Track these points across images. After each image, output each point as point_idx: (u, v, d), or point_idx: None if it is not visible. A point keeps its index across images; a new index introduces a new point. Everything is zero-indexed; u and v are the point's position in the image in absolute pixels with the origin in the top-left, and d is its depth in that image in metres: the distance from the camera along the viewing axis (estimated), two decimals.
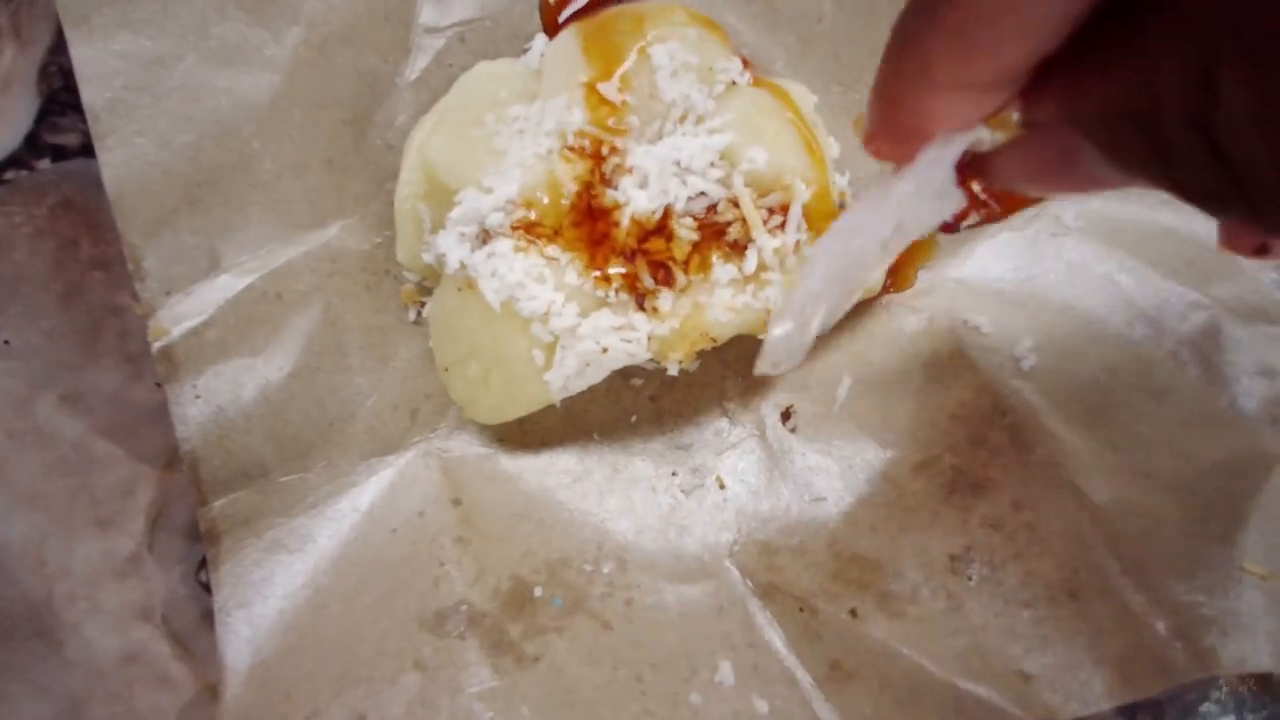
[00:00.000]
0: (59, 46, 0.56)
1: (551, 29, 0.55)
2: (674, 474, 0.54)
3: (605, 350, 0.48)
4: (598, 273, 0.49)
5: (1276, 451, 0.47)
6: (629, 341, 0.48)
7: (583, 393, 0.51)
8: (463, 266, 0.49)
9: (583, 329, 0.48)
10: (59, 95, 0.56)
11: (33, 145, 0.56)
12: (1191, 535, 0.44)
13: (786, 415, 0.54)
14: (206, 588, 0.56)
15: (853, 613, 0.47)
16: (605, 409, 0.55)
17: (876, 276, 0.54)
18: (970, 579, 0.46)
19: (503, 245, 0.48)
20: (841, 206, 0.55)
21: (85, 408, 0.56)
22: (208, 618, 0.56)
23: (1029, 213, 0.55)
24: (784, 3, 0.55)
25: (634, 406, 0.55)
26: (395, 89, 0.54)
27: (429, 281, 0.55)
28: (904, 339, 0.54)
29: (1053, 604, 0.45)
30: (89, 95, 0.49)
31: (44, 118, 0.56)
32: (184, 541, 0.57)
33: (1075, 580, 0.45)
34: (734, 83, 0.51)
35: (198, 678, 0.57)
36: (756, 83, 0.53)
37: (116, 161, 0.50)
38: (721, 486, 0.53)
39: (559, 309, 0.47)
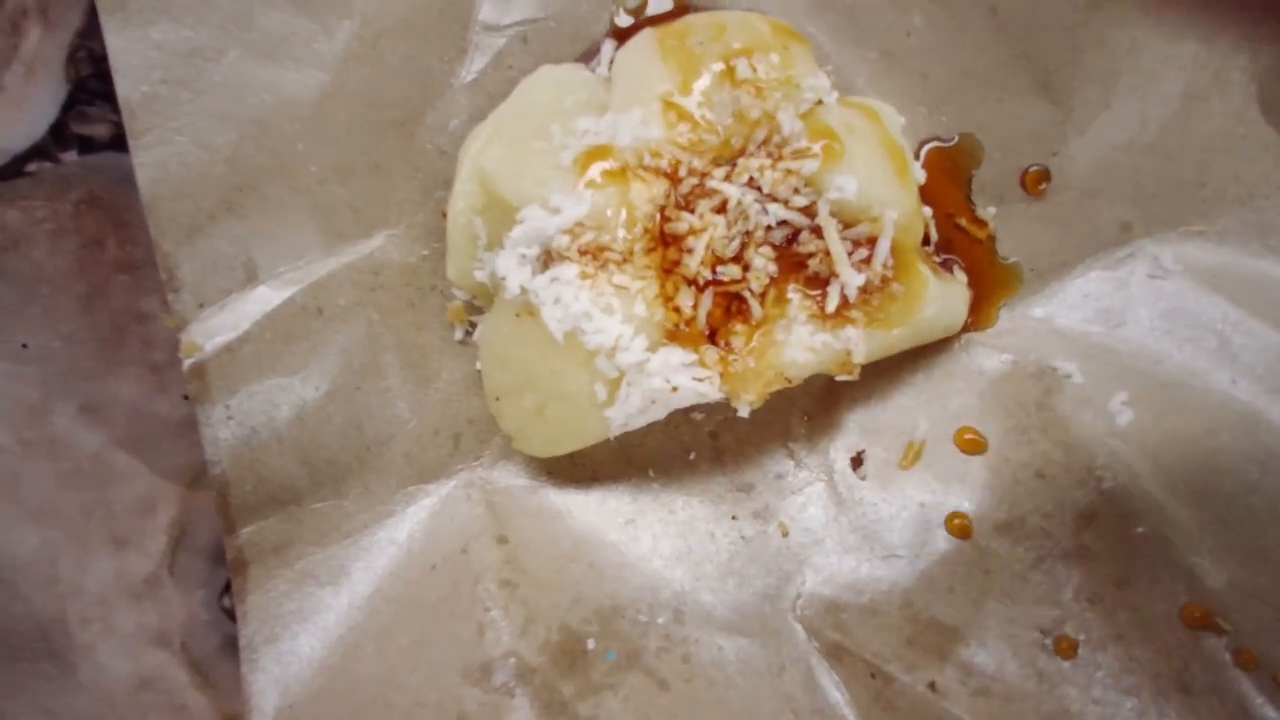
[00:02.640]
0: (89, 30, 0.52)
1: (623, 34, 0.50)
2: (734, 517, 0.51)
3: (675, 389, 0.44)
4: (667, 305, 0.45)
5: None
6: (700, 380, 0.45)
7: None
8: (523, 291, 0.45)
9: (651, 365, 0.44)
10: (88, 83, 0.52)
11: (58, 135, 0.52)
12: None
13: (857, 461, 0.50)
14: (230, 614, 0.53)
15: (932, 686, 0.44)
16: (661, 443, 0.52)
17: (959, 315, 0.50)
18: (1066, 660, 0.43)
19: (568, 271, 0.44)
20: (926, 240, 0.51)
21: (104, 418, 0.53)
22: (229, 646, 0.53)
23: (1122, 251, 0.51)
24: (868, 14, 0.51)
25: (693, 442, 0.52)
26: (450, 90, 0.50)
27: (479, 300, 0.51)
28: (984, 383, 0.51)
29: (1160, 697, 0.41)
30: (124, 89, 0.45)
31: (71, 106, 0.52)
32: (207, 564, 0.54)
33: (1186, 673, 0.41)
34: (821, 101, 0.47)
35: (217, 709, 0.53)
36: (842, 101, 0.49)
37: (152, 162, 0.46)
38: (785, 534, 0.50)
39: (627, 343, 0.44)
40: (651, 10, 0.51)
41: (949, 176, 0.52)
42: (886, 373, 0.52)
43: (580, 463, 0.52)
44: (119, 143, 0.50)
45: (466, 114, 0.51)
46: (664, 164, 0.45)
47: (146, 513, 0.53)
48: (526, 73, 0.50)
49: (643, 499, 0.51)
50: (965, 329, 0.52)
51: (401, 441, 0.51)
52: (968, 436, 0.48)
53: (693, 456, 0.52)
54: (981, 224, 0.52)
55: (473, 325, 0.52)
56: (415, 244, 0.51)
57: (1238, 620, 0.42)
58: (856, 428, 0.51)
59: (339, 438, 0.50)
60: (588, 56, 0.51)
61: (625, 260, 0.45)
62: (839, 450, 0.51)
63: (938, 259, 0.52)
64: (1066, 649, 0.43)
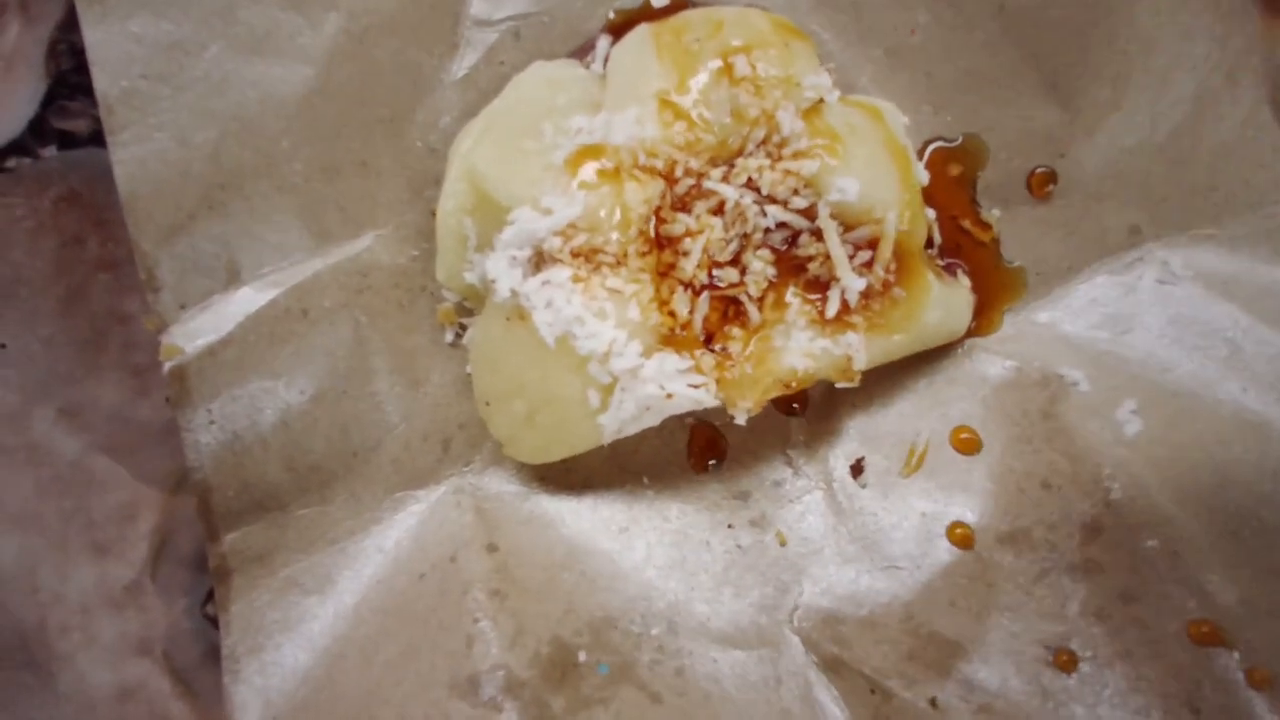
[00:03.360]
0: (70, 23, 0.50)
1: (618, 29, 0.49)
2: (730, 526, 0.49)
3: (670, 396, 0.43)
4: (662, 308, 0.44)
5: None
6: (696, 387, 0.43)
7: None
8: (514, 295, 0.44)
9: (645, 371, 0.43)
10: (68, 77, 0.51)
11: (38, 131, 0.51)
12: None
13: (857, 468, 0.49)
14: (213, 622, 0.52)
15: (933, 702, 0.43)
16: (656, 449, 0.51)
17: (962, 320, 0.49)
18: (1069, 675, 0.42)
19: (559, 274, 0.43)
20: (929, 243, 0.50)
21: (85, 423, 0.51)
22: (213, 654, 0.52)
23: (1130, 256, 0.50)
24: (873, 12, 0.50)
25: (688, 448, 0.51)
26: (440, 86, 0.49)
27: (470, 302, 0.50)
28: (988, 390, 0.49)
29: (1170, 717, 0.40)
30: (102, 84, 0.44)
31: (51, 101, 0.51)
32: (189, 572, 0.53)
33: (1197, 694, 0.40)
34: (822, 100, 0.46)
35: (200, 719, 0.52)
36: (844, 100, 0.48)
37: (130, 159, 0.45)
38: (782, 543, 0.49)
39: (620, 348, 0.42)
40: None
41: (953, 178, 0.51)
42: (888, 378, 0.50)
43: (573, 469, 0.50)
44: (100, 138, 0.49)
45: (457, 110, 0.49)
46: (659, 164, 0.43)
47: (127, 520, 0.52)
48: (519, 68, 0.49)
49: (637, 507, 0.50)
50: (969, 334, 0.50)
51: (390, 446, 0.50)
52: (963, 436, 0.47)
53: (688, 463, 0.50)
54: (986, 226, 0.51)
55: (463, 327, 0.50)
56: (404, 244, 0.50)
57: (1250, 638, 0.41)
58: (857, 434, 0.50)
59: (325, 442, 0.49)
60: (582, 52, 0.49)
61: (619, 263, 0.43)
62: (838, 458, 0.49)
63: (941, 262, 0.51)
64: (1066, 662, 0.42)
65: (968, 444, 0.47)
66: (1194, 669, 0.41)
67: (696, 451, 0.50)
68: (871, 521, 0.48)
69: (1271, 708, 0.40)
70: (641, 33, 0.47)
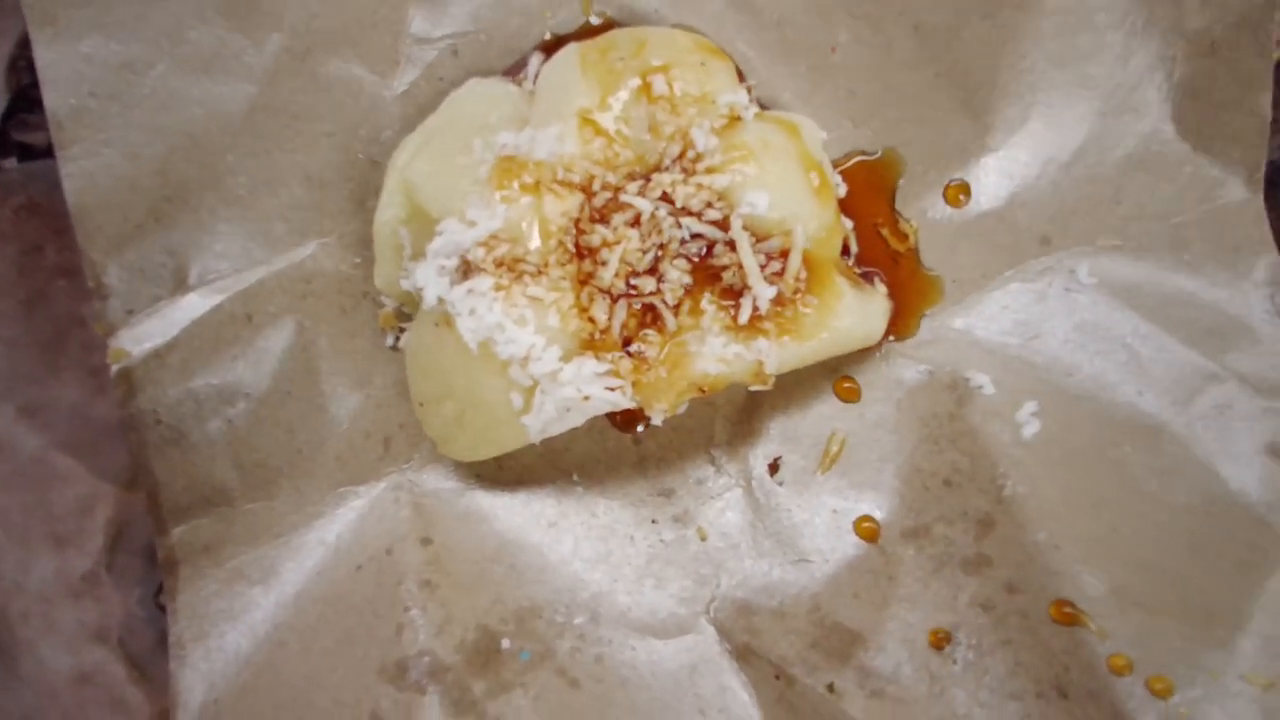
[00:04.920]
0: (30, 39, 0.53)
1: (550, 47, 0.51)
2: (653, 521, 0.52)
3: (587, 398, 0.45)
4: (582, 315, 0.46)
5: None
6: (613, 390, 0.46)
7: None
8: (440, 302, 0.46)
9: (564, 374, 0.45)
10: (28, 91, 0.53)
11: None
12: (1191, 638, 0.42)
13: (775, 467, 0.51)
14: (165, 610, 0.54)
15: (830, 687, 0.45)
16: (587, 448, 0.53)
17: (877, 326, 0.51)
18: (955, 661, 0.44)
19: (483, 282, 0.45)
20: (846, 252, 0.52)
21: (45, 421, 0.54)
22: (166, 641, 0.54)
23: (1040, 264, 0.52)
24: (796, 30, 0.52)
25: (617, 447, 0.53)
26: (382, 101, 0.52)
27: (408, 308, 0.52)
28: (902, 393, 0.52)
29: (1041, 700, 0.43)
30: (52, 101, 0.47)
31: (11, 114, 0.53)
32: (143, 563, 0.55)
33: (1066, 677, 0.43)
34: (738, 116, 0.48)
35: (154, 703, 0.55)
36: (760, 116, 0.50)
37: (79, 173, 0.47)
38: (702, 538, 0.51)
39: (539, 353, 0.45)
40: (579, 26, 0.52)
41: (873, 189, 0.53)
42: (808, 382, 0.53)
43: (506, 467, 0.53)
44: None
45: (398, 124, 0.52)
46: (577, 178, 0.46)
47: (85, 513, 0.55)
48: (458, 84, 0.51)
49: (566, 502, 0.52)
50: (887, 338, 0.53)
51: (333, 445, 0.52)
52: (846, 385, 0.50)
53: (616, 461, 0.53)
54: (904, 236, 0.53)
55: (403, 331, 0.53)
56: (347, 252, 0.52)
57: (1116, 626, 0.43)
58: (778, 435, 0.52)
59: (270, 441, 0.51)
60: (516, 70, 0.52)
61: (540, 272, 0.46)
62: (759, 457, 0.52)
63: (859, 270, 0.53)
64: (940, 640, 0.45)
65: (850, 393, 0.50)
66: (1063, 654, 0.44)
67: (621, 420, 0.52)
68: (786, 517, 0.50)
69: (1130, 693, 0.42)
70: (569, 51, 0.49)
